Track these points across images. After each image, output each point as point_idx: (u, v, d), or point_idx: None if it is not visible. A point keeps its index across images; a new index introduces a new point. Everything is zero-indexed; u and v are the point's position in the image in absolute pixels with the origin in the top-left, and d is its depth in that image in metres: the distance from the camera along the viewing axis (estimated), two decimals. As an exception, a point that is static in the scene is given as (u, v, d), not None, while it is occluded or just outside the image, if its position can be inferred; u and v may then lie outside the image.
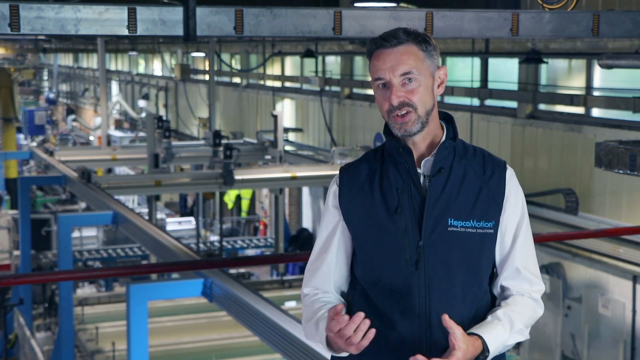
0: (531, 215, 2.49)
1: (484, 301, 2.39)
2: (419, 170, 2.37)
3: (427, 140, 2.38)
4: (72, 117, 35.40)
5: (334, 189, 2.46)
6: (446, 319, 2.19)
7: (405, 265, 2.33)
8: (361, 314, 2.18)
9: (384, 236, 2.35)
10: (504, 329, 2.30)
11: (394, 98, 2.30)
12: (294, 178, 13.40)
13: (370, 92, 17.27)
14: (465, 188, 2.35)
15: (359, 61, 17.99)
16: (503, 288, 2.43)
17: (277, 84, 21.06)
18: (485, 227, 2.35)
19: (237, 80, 23.96)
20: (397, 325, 2.33)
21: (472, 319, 2.34)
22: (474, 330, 2.29)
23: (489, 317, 2.33)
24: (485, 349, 2.25)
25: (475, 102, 13.24)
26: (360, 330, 2.17)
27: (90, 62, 39.58)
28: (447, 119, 2.45)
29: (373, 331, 2.18)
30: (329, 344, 2.30)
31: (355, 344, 2.18)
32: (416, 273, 2.32)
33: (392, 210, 2.34)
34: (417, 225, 2.32)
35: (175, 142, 18.06)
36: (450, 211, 2.33)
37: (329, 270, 2.45)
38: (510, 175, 2.42)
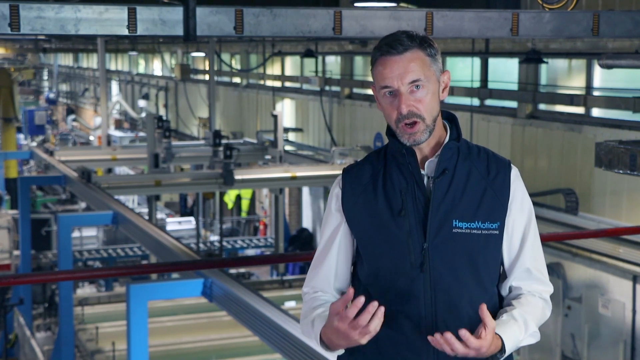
0: (532, 215, 2.49)
1: (490, 303, 2.35)
2: (422, 172, 2.34)
3: (431, 142, 2.35)
4: (72, 117, 35.41)
5: (336, 191, 2.43)
6: (483, 308, 2.16)
7: (410, 268, 2.31)
8: (375, 303, 2.13)
9: (388, 239, 2.33)
10: (519, 330, 2.28)
11: (403, 107, 2.26)
12: (294, 178, 13.39)
13: (371, 92, 17.29)
14: (469, 189, 2.33)
15: (359, 61, 17.98)
16: (512, 288, 2.41)
17: (277, 84, 21.05)
18: (491, 228, 2.33)
19: (237, 80, 23.95)
20: (402, 327, 2.32)
21: (477, 321, 2.27)
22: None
23: (505, 317, 2.29)
24: (502, 349, 2.24)
25: (475, 102, 13.24)
26: (376, 317, 2.13)
27: (90, 62, 39.56)
28: (450, 119, 2.42)
29: (382, 309, 2.14)
30: (322, 341, 2.29)
31: (371, 332, 2.15)
32: (421, 276, 2.30)
33: (396, 212, 2.32)
34: (421, 228, 2.30)
35: (175, 142, 18.06)
36: (455, 212, 2.30)
37: (328, 272, 2.44)
38: (515, 175, 2.40)
